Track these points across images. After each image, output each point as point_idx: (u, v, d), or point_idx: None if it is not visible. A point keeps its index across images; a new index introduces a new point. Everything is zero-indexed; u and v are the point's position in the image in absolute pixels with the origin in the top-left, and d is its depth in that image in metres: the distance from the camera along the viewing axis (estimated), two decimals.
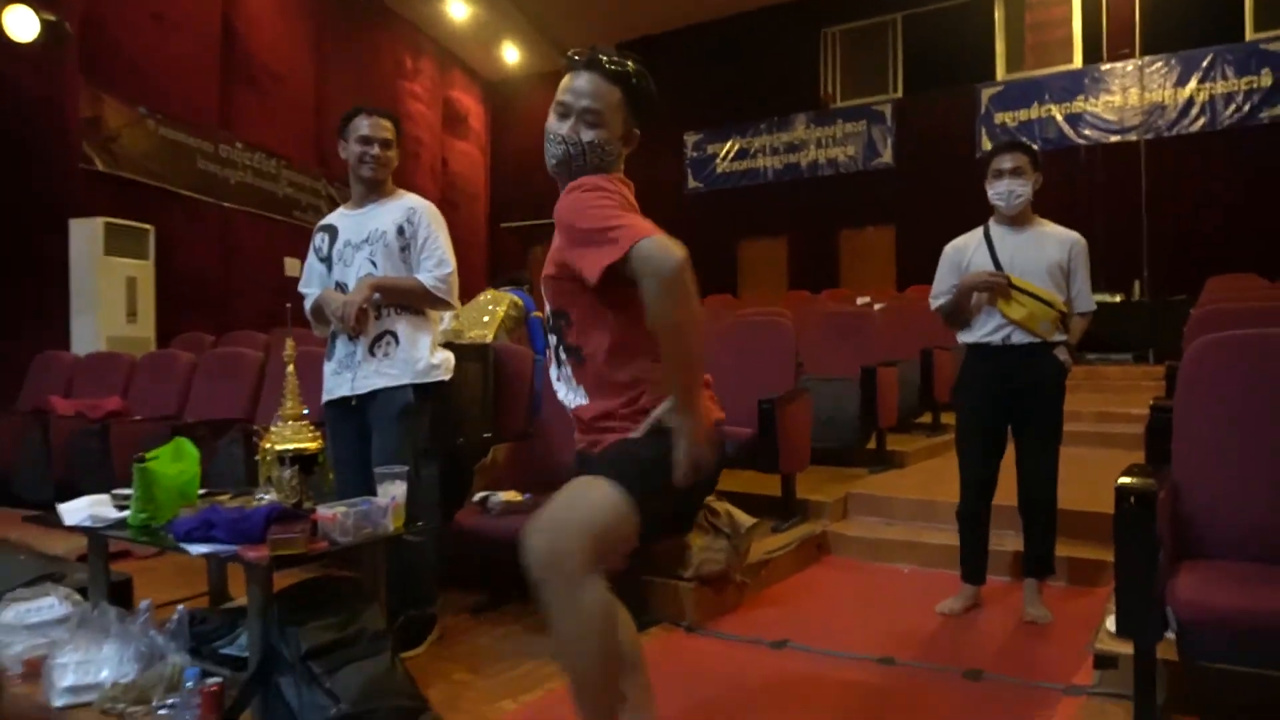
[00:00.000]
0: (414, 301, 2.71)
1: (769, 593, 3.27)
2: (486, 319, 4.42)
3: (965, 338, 2.98)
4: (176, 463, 2.49)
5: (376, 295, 2.63)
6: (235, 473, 3.76)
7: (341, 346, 2.71)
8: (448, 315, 3.90)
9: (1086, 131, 9.80)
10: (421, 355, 2.71)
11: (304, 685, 2.02)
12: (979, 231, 2.99)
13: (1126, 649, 2.00)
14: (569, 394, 1.71)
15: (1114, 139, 9.66)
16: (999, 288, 2.82)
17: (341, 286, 2.70)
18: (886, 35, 11.17)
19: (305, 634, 2.08)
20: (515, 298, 4.58)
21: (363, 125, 2.70)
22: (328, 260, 2.76)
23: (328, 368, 2.74)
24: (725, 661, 2.61)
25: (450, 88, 12.59)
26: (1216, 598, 1.75)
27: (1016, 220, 2.91)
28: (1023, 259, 2.85)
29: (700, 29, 11.73)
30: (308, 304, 2.85)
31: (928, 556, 3.59)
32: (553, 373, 1.75)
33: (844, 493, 4.13)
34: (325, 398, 2.73)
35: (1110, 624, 2.69)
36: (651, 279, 1.46)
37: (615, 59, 1.65)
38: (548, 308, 1.71)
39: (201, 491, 2.53)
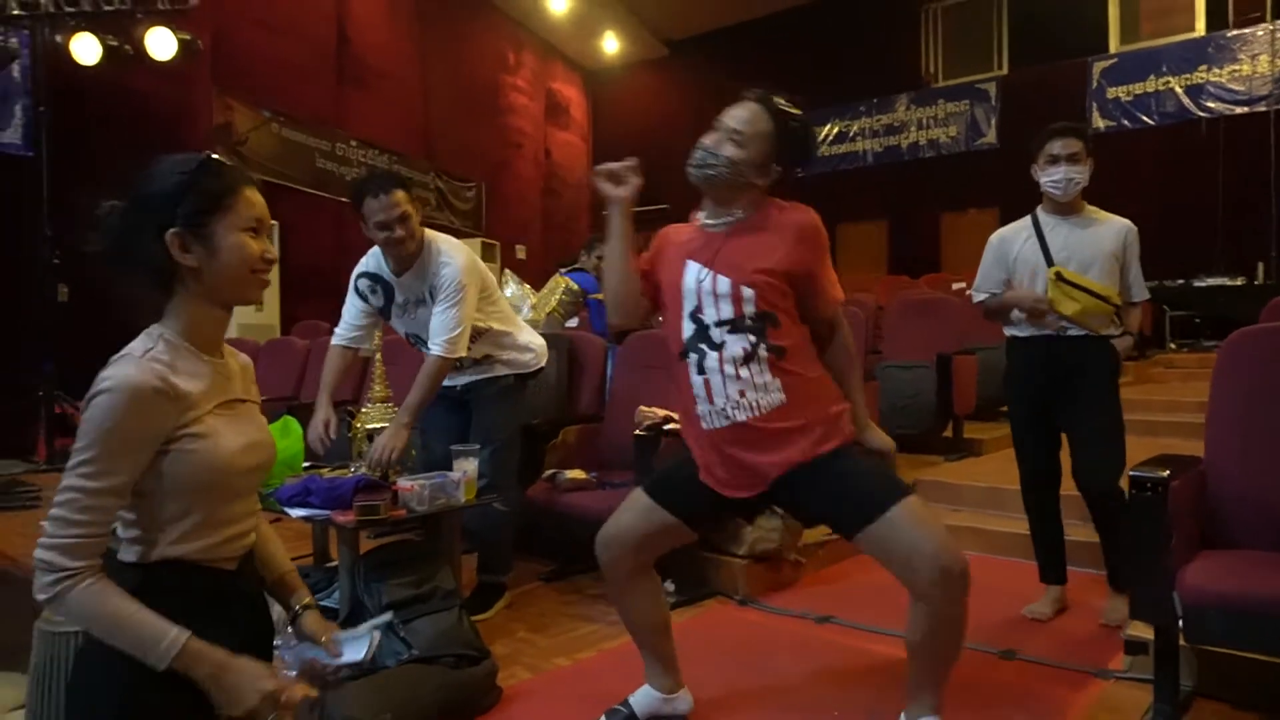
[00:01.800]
0: (441, 377, 2.73)
1: (825, 572, 3.40)
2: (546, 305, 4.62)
3: (1013, 331, 2.88)
4: (284, 439, 2.84)
5: (410, 428, 2.67)
6: (341, 448, 4.16)
7: None
8: (525, 305, 4.18)
9: (1209, 104, 9.24)
10: (519, 354, 3.00)
11: (384, 633, 2.32)
12: (1026, 220, 2.86)
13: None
14: (756, 395, 1.79)
15: (1240, 110, 9.08)
16: (1038, 311, 2.72)
17: (412, 337, 2.88)
18: (991, 9, 10.82)
19: (387, 589, 2.39)
20: (570, 281, 4.76)
21: (375, 211, 2.63)
22: (385, 311, 2.88)
23: None
24: (770, 632, 2.79)
25: (551, 79, 12.95)
26: (1217, 583, 1.81)
27: (1068, 209, 2.77)
28: (1078, 250, 2.71)
29: (798, 11, 11.64)
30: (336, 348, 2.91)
31: (993, 543, 3.63)
32: (722, 372, 1.81)
33: (913, 479, 4.19)
34: None
35: (1110, 613, 2.71)
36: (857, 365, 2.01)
37: (783, 100, 1.90)
38: (748, 307, 1.81)
39: (306, 464, 2.88)
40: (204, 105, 7.39)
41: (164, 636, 1.10)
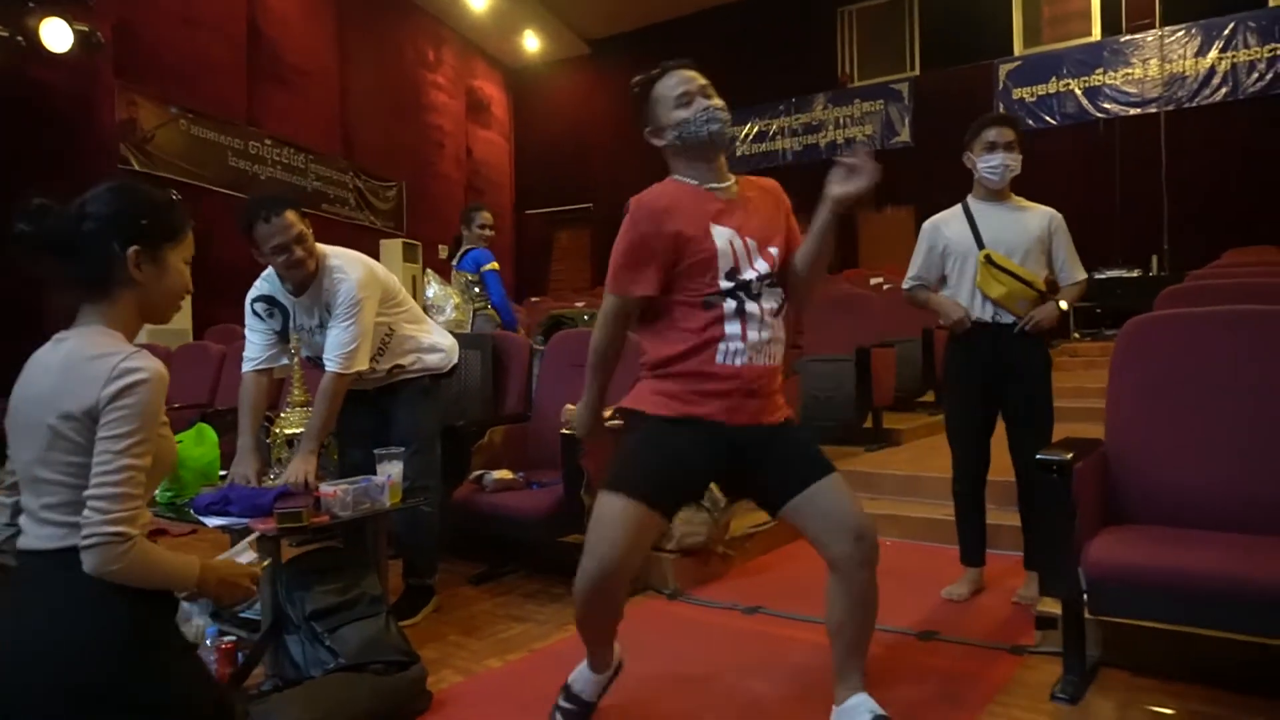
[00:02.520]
0: (340, 396, 2.63)
1: (752, 564, 3.46)
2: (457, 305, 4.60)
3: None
4: (199, 447, 2.75)
5: (316, 453, 2.60)
6: (261, 455, 4.04)
7: None
8: (449, 306, 4.13)
9: (1106, 105, 9.71)
10: (427, 355, 2.95)
11: (308, 642, 2.27)
12: (958, 208, 2.94)
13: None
14: (775, 348, 1.90)
15: (1134, 112, 9.56)
16: (959, 326, 2.85)
17: (314, 360, 2.75)
18: (903, 12, 11.14)
19: (311, 597, 2.34)
20: (465, 272, 4.79)
21: (269, 236, 2.52)
22: (284, 334, 2.78)
23: None
24: (699, 625, 2.83)
25: (473, 77, 12.81)
26: (1117, 557, 1.92)
27: (998, 196, 2.86)
28: (1006, 236, 2.80)
29: (717, 12, 11.78)
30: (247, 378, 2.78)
31: (910, 529, 3.75)
32: (761, 319, 1.87)
33: None
34: None
35: (1024, 591, 2.84)
36: None
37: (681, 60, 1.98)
38: (766, 266, 1.88)
39: (222, 473, 2.78)
40: (106, 101, 7.06)
41: (192, 566, 1.49)
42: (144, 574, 1.40)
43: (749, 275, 1.86)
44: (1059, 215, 2.90)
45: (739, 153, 12.01)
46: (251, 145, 8.71)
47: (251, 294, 2.79)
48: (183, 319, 7.35)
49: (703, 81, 1.91)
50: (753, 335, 1.85)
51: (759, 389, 1.86)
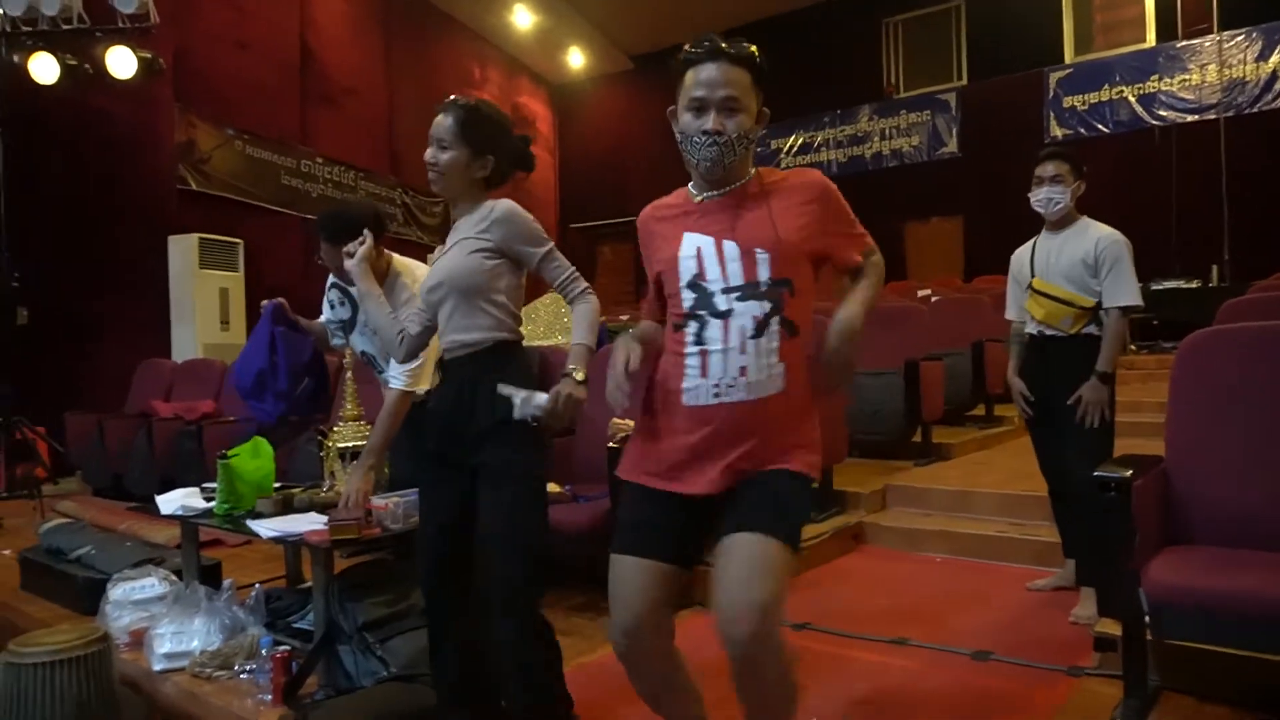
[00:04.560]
0: (402, 414, 2.56)
1: (801, 579, 3.42)
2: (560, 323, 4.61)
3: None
4: (255, 459, 2.82)
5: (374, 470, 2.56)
6: (313, 468, 4.12)
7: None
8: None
9: (1162, 112, 9.50)
10: None
11: (360, 653, 2.31)
12: (1031, 242, 3.10)
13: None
14: (759, 375, 1.54)
15: (1191, 118, 9.35)
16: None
17: (368, 356, 2.81)
18: (949, 22, 11.05)
19: (362, 609, 2.38)
20: None
21: (331, 256, 2.60)
22: (349, 324, 2.83)
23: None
24: None
25: (517, 94, 12.98)
26: (1180, 578, 1.86)
27: (1059, 224, 2.98)
28: (1056, 261, 2.94)
29: (761, 25, 11.78)
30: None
31: (961, 545, 3.68)
32: (725, 345, 1.55)
33: (883, 484, 4.24)
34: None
35: (1079, 610, 2.79)
36: (879, 280, 1.71)
37: (732, 42, 1.60)
38: (763, 271, 1.56)
39: (277, 485, 2.85)
40: (166, 124, 7.31)
41: None
42: None
43: (714, 284, 1.56)
44: (1114, 238, 2.89)
45: (783, 164, 12.00)
46: (303, 164, 8.93)
47: (329, 280, 2.89)
48: (237, 333, 7.55)
49: (727, 92, 1.56)
50: (715, 367, 1.54)
51: (740, 433, 1.55)
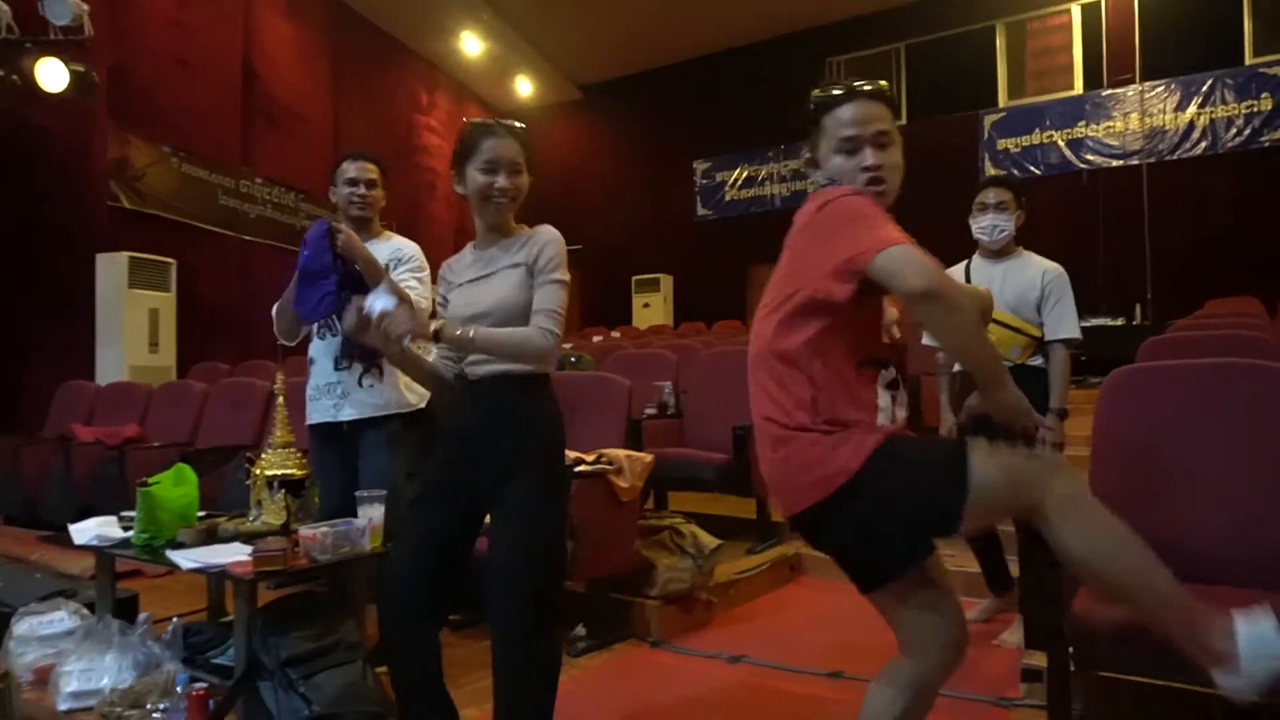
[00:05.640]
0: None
1: (738, 611, 3.42)
2: None
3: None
4: (178, 487, 2.71)
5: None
6: (243, 496, 3.99)
7: (324, 375, 2.90)
8: (433, 350, 4.11)
9: (1089, 156, 9.91)
10: (403, 387, 2.92)
11: (281, 690, 2.22)
12: (962, 265, 3.09)
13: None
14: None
15: (1116, 163, 9.76)
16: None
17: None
18: (890, 64, 11.38)
19: (287, 643, 2.29)
20: None
21: (349, 169, 2.93)
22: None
23: (311, 392, 2.91)
24: (682, 674, 2.78)
25: (466, 120, 12.96)
26: (1103, 611, 1.89)
27: (999, 253, 3.01)
28: (996, 291, 2.88)
29: (708, 60, 12.01)
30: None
31: None
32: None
33: None
34: (309, 422, 2.91)
35: (1006, 635, 2.87)
36: None
37: (865, 79, 1.65)
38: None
39: (201, 513, 2.75)
40: (99, 139, 7.10)
41: None
42: None
43: None
44: (1058, 271, 2.97)
45: (727, 197, 12.18)
46: (242, 184, 8.75)
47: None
48: (167, 355, 7.32)
49: (881, 127, 1.58)
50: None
51: None
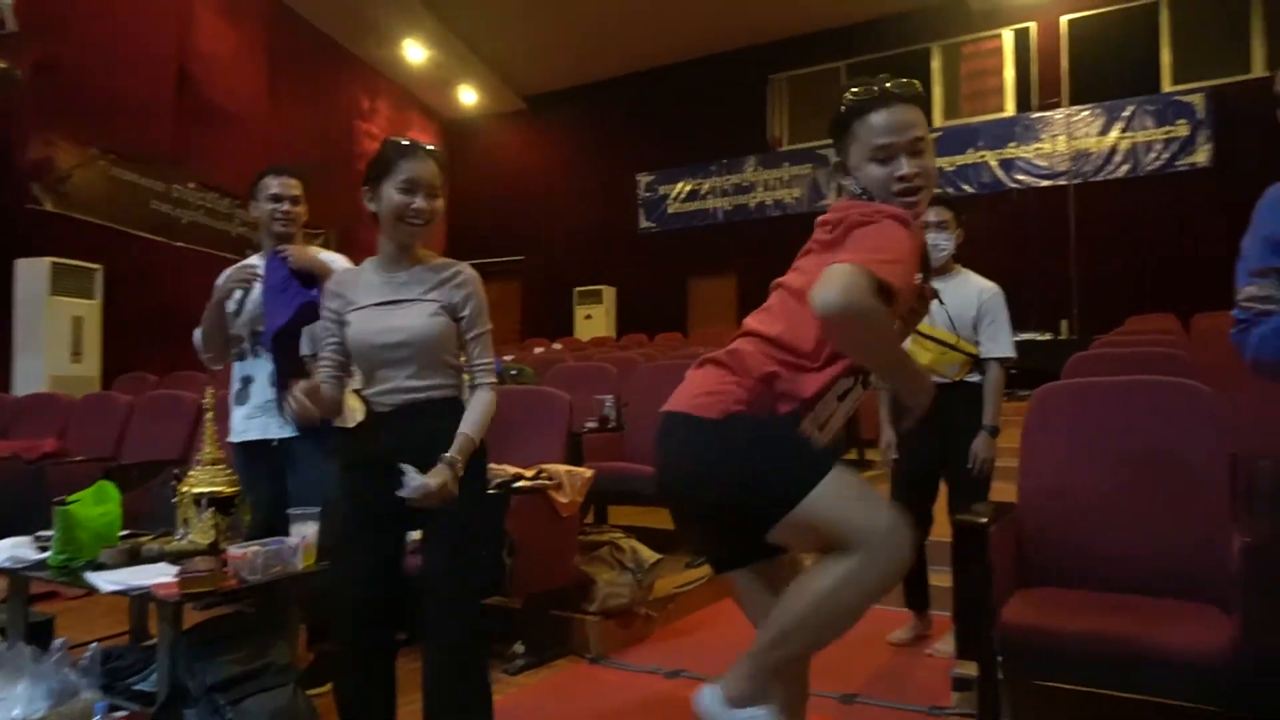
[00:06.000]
0: None
1: (677, 625, 3.43)
2: None
3: None
4: (99, 505, 2.61)
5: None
6: (168, 513, 3.85)
7: (263, 394, 2.82)
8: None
9: (1019, 176, 10.25)
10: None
11: (207, 716, 2.15)
12: None
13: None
14: None
15: (1045, 183, 10.12)
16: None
17: (256, 334, 2.78)
18: (832, 82, 11.60)
19: (213, 667, 2.21)
20: None
21: (273, 184, 2.79)
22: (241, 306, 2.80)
23: (240, 411, 2.83)
24: (621, 690, 2.77)
25: (407, 127, 12.81)
26: (1030, 620, 1.96)
27: (938, 272, 3.00)
28: (935, 308, 2.96)
29: (653, 74, 12.10)
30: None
31: None
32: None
33: None
34: (238, 439, 2.83)
35: (940, 645, 2.94)
36: None
37: (896, 81, 1.53)
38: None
39: (124, 532, 2.64)
40: (20, 138, 6.82)
41: None
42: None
43: None
44: (995, 290, 3.01)
45: (670, 210, 12.26)
46: (174, 189, 8.51)
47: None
48: (90, 365, 7.05)
49: (916, 133, 1.49)
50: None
51: None
